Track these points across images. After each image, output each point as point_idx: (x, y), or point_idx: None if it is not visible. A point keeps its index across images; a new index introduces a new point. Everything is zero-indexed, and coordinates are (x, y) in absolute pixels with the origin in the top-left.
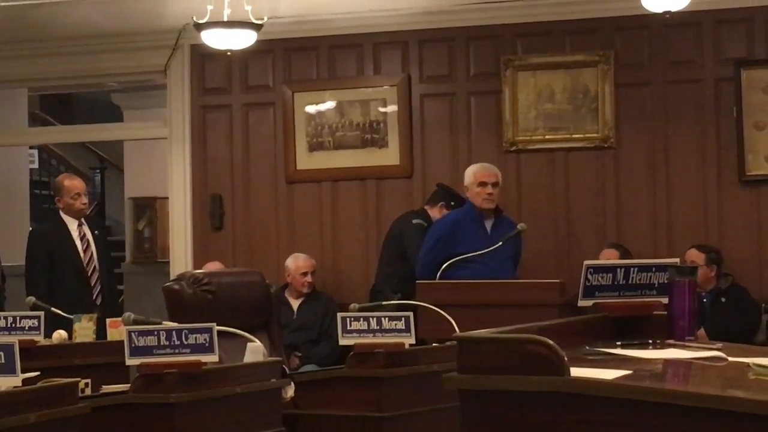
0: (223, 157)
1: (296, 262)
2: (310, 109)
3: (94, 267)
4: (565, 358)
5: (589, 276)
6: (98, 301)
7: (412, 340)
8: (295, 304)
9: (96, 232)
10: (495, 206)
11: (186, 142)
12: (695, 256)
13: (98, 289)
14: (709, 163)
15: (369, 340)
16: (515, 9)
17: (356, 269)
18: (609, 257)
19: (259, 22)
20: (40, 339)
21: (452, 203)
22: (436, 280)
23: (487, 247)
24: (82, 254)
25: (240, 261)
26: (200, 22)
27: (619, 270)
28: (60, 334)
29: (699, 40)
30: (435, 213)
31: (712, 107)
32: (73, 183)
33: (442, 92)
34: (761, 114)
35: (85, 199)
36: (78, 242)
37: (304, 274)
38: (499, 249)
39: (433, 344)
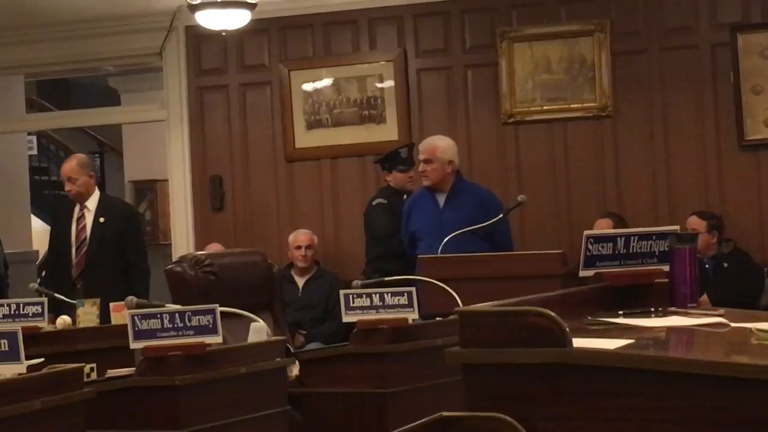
0: (221, 137)
1: (295, 237)
2: (307, 87)
3: (85, 251)
4: (567, 329)
5: (590, 246)
6: (78, 285)
7: (416, 316)
8: (300, 282)
9: (101, 219)
10: (432, 182)
11: (184, 123)
12: (696, 223)
13: (79, 273)
14: (708, 129)
15: (372, 316)
16: None
17: (358, 246)
18: (603, 227)
19: (253, 1)
20: (44, 325)
21: (399, 167)
22: (439, 255)
23: (437, 222)
24: (73, 237)
25: (241, 241)
26: (194, 3)
27: (619, 239)
28: (64, 320)
29: (694, 6)
30: (393, 178)
31: (709, 73)
32: (61, 167)
33: (438, 66)
34: (759, 78)
35: (68, 185)
36: (73, 224)
37: (298, 248)
38: (447, 222)
39: (437, 318)
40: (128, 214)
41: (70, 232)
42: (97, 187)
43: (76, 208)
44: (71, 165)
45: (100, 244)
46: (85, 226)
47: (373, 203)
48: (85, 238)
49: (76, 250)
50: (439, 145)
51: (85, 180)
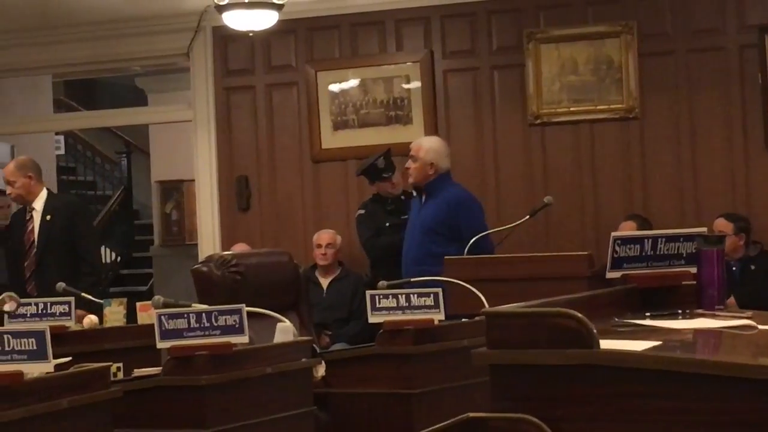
0: (248, 138)
1: (317, 236)
2: (334, 87)
3: (34, 252)
4: (594, 331)
5: (617, 248)
6: (29, 287)
7: (442, 316)
8: (324, 282)
9: (48, 216)
10: (414, 180)
11: (211, 124)
12: (723, 225)
13: (30, 274)
14: (735, 130)
15: (398, 317)
16: None
17: None
18: (627, 229)
19: (281, 1)
20: (71, 324)
21: (382, 176)
22: (465, 256)
23: (414, 222)
24: (25, 238)
25: (267, 241)
26: (221, 3)
27: (646, 241)
28: (91, 319)
29: (722, 7)
30: (377, 187)
31: (737, 74)
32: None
33: (465, 67)
34: None
35: (8, 189)
36: (26, 225)
37: (319, 246)
38: (418, 223)
39: (463, 320)
40: (74, 210)
41: (23, 237)
42: (45, 187)
43: (26, 212)
44: (9, 167)
45: (47, 242)
46: (33, 227)
47: (356, 214)
48: (34, 239)
49: (27, 252)
50: (423, 145)
51: (24, 182)
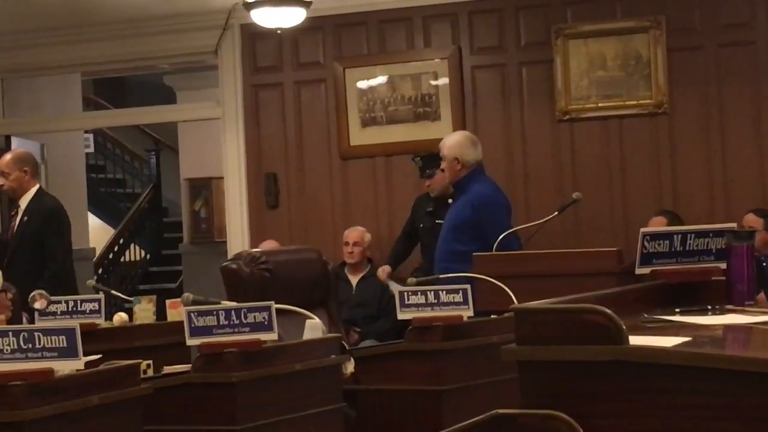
0: (276, 135)
1: (346, 233)
2: (362, 84)
3: (9, 248)
4: (624, 327)
5: (646, 243)
6: None
7: (470, 313)
8: (354, 280)
9: (26, 217)
10: (449, 179)
11: (239, 121)
12: (753, 220)
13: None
14: (765, 125)
15: (427, 313)
16: None
17: None
18: (657, 225)
19: None
20: (101, 322)
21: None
22: (493, 252)
23: (446, 216)
24: (8, 234)
25: (296, 238)
26: (250, 1)
27: (676, 236)
28: (121, 317)
29: (751, 1)
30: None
31: (766, 69)
32: None
33: (493, 63)
34: None
35: (1, 180)
36: (12, 221)
37: (347, 244)
38: (447, 218)
39: (491, 316)
40: (49, 214)
41: (7, 233)
42: (37, 185)
43: (14, 208)
44: (5, 159)
45: (19, 243)
46: (14, 225)
47: None
48: (12, 236)
49: (8, 248)
50: (446, 143)
51: (18, 175)
